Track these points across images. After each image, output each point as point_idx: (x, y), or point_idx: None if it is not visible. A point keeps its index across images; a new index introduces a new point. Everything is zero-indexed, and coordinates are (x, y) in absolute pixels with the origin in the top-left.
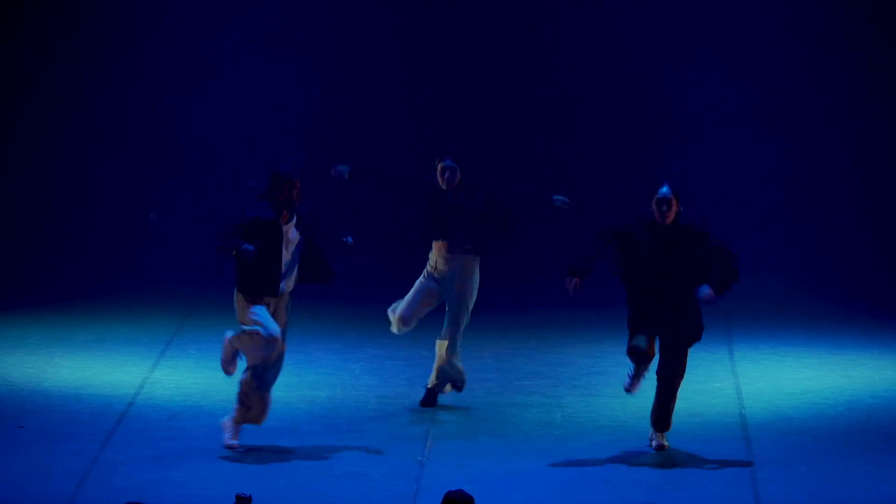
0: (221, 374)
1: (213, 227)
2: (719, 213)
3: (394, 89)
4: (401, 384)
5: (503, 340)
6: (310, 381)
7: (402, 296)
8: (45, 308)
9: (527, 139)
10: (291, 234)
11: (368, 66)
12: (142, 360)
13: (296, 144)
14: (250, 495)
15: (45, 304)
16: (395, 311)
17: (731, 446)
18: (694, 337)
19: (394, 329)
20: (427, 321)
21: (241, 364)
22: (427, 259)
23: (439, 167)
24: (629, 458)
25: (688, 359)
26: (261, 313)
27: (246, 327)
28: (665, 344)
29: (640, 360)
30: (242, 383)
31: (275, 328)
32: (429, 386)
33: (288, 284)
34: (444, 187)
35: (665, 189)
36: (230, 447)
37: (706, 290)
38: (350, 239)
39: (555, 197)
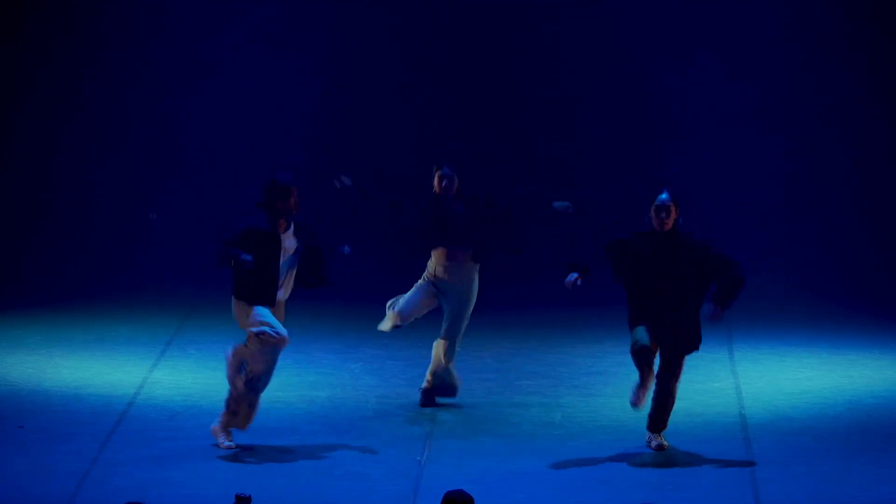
0: (221, 374)
1: (213, 228)
2: (719, 213)
3: (394, 89)
4: (401, 384)
5: (503, 340)
6: (310, 381)
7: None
8: (45, 308)
9: (527, 139)
10: (288, 242)
11: (368, 66)
12: (142, 360)
13: (296, 144)
14: (250, 495)
15: (45, 304)
16: (393, 307)
17: (731, 446)
18: (693, 347)
19: (386, 324)
20: (427, 321)
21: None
22: (426, 267)
23: (437, 175)
24: (629, 458)
25: (688, 358)
26: (265, 314)
27: (254, 329)
28: (664, 344)
29: (642, 358)
30: (233, 389)
31: (282, 328)
32: (424, 387)
33: (285, 292)
34: (441, 195)
35: (664, 196)
36: (227, 448)
37: (710, 308)
38: (348, 249)
39: (555, 204)
